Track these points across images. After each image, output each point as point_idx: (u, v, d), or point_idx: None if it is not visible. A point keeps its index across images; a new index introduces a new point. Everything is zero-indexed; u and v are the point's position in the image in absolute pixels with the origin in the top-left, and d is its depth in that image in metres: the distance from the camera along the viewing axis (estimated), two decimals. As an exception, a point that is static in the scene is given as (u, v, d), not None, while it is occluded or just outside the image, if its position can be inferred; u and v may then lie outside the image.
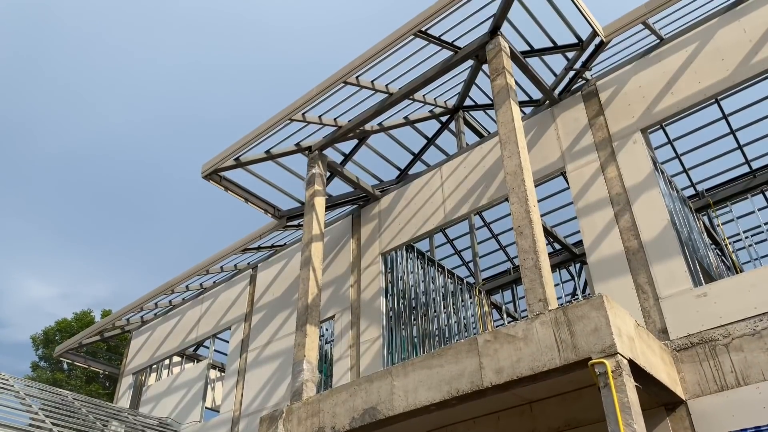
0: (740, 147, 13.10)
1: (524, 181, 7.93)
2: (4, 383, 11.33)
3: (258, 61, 77.61)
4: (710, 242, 12.94)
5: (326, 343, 13.64)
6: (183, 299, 15.94)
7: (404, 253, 12.70)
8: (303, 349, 9.31)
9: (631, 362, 6.22)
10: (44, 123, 76.50)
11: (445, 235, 17.04)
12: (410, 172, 12.74)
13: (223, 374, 16.15)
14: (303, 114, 10.55)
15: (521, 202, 7.82)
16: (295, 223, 12.88)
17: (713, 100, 9.18)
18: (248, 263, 14.68)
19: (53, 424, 9.88)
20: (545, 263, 7.32)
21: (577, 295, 15.82)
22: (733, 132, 12.78)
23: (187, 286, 15.19)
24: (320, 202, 10.86)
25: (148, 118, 78.99)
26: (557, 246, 16.48)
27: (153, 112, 79.11)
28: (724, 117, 12.49)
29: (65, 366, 30.93)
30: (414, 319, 12.47)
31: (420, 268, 13.17)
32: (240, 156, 11.13)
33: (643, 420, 5.79)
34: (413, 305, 12.55)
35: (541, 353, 6.51)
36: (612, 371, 5.93)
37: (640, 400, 7.38)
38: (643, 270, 8.26)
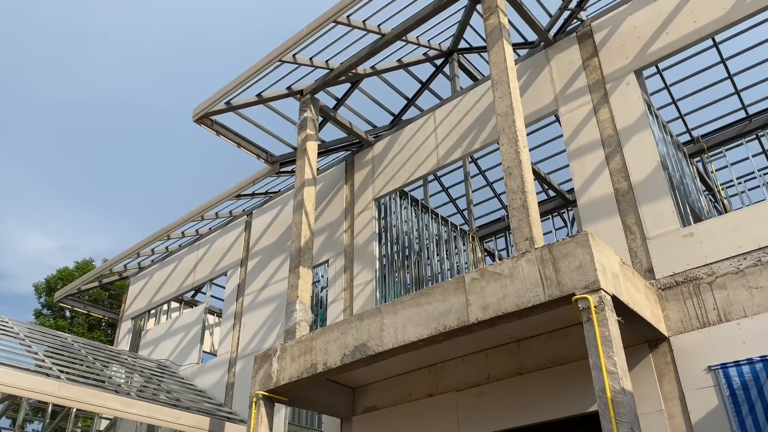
0: (737, 92, 13.00)
1: (515, 122, 7.90)
2: (6, 327, 11.54)
3: (252, 2, 75.98)
4: (703, 188, 12.98)
5: (321, 290, 13.84)
6: (179, 246, 16.07)
7: (398, 199, 12.75)
8: (296, 290, 9.46)
9: (615, 298, 6.33)
10: (38, 73, 75.47)
11: (440, 183, 17.08)
12: (404, 118, 12.67)
13: (220, 319, 16.44)
14: (293, 55, 10.41)
15: (511, 143, 7.81)
16: (289, 169, 12.88)
17: (709, 39, 9.04)
18: (243, 210, 14.74)
19: (55, 365, 10.11)
20: (533, 203, 7.37)
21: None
22: (730, 76, 12.65)
23: (183, 233, 15.30)
24: (312, 147, 10.83)
25: (140, 63, 77.83)
26: (552, 193, 16.55)
27: (145, 59, 77.90)
28: (722, 61, 12.35)
29: (67, 314, 31.40)
30: (407, 266, 12.61)
31: (413, 215, 13.24)
32: (231, 99, 11.04)
33: (623, 353, 5.94)
34: (407, 251, 12.68)
35: (526, 290, 6.62)
36: (595, 306, 6.04)
37: (624, 337, 7.56)
38: (631, 211, 8.32)
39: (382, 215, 12.19)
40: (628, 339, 7.55)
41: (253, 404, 8.75)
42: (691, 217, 8.83)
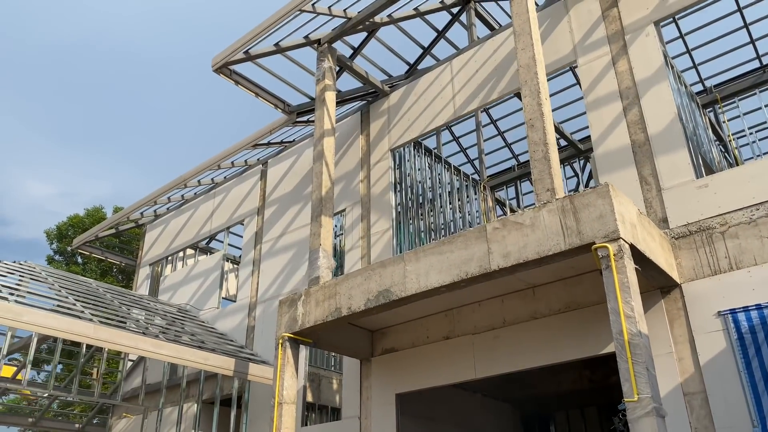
0: (753, 41, 12.97)
1: (537, 74, 8.02)
2: (35, 273, 11.92)
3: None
4: (714, 138, 13.11)
5: (335, 237, 14.16)
6: (195, 194, 16.33)
7: (412, 149, 12.93)
8: (318, 238, 9.76)
9: (632, 247, 6.62)
10: (36, 14, 74.01)
11: (451, 133, 17.19)
12: (420, 67, 12.70)
13: (236, 267, 16.85)
14: (313, 5, 10.40)
15: (533, 95, 7.94)
16: (304, 119, 13.00)
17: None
18: (258, 159, 14.93)
19: (86, 308, 10.51)
20: (554, 155, 7.57)
21: (580, 190, 16.18)
22: (746, 25, 12.61)
23: (198, 181, 15.53)
24: (331, 97, 10.95)
25: (148, 9, 76.26)
26: (563, 142, 16.69)
27: (154, 4, 76.27)
28: (739, 9, 12.29)
29: (79, 260, 31.97)
30: (421, 214, 12.90)
31: (427, 164, 13.44)
32: (249, 49, 11.09)
33: (640, 299, 6.26)
34: (420, 200, 12.94)
35: (547, 239, 6.90)
36: (614, 254, 6.33)
37: (638, 283, 7.89)
38: (647, 162, 8.52)
39: (398, 165, 12.39)
40: (642, 285, 7.86)
41: (279, 345, 9.17)
42: (703, 168, 9.04)
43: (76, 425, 15.64)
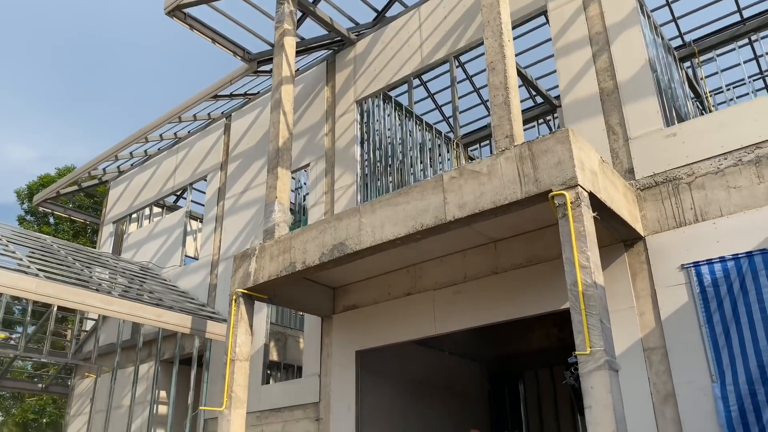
0: (734, -8, 12.52)
1: (500, 14, 7.55)
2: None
3: None
4: (692, 95, 12.75)
5: (304, 198, 13.73)
6: (159, 150, 15.77)
7: (381, 103, 12.43)
8: (275, 190, 9.34)
9: (592, 195, 6.28)
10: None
11: (426, 89, 16.67)
12: (388, 15, 12.12)
13: (201, 224, 16.41)
14: (270, -57, 9.77)
15: (495, 36, 7.49)
16: (267, 68, 12.42)
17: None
18: (222, 113, 14.37)
19: (34, 264, 10.07)
20: (515, 100, 7.16)
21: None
22: (727, -25, 12.13)
23: (161, 136, 14.96)
24: (290, 42, 10.39)
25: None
26: (540, 100, 16.27)
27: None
28: (720, -42, 11.79)
29: (51, 220, 31.31)
30: (390, 172, 12.48)
31: (397, 120, 12.96)
32: (205, -9, 10.45)
33: (597, 249, 5.95)
34: (389, 157, 12.50)
35: (504, 187, 6.54)
36: (571, 202, 5.99)
37: (601, 236, 7.57)
38: (615, 111, 8.15)
39: (365, 119, 11.92)
40: (605, 239, 7.58)
41: (233, 302, 8.83)
42: (676, 121, 8.68)
43: (39, 385, 15.34)
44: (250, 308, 8.91)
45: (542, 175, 6.30)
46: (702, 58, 13.44)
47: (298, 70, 12.82)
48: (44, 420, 27.74)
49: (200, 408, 10.23)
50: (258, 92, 13.64)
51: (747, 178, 6.86)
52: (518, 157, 6.54)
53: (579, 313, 5.61)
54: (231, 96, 13.42)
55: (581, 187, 6.06)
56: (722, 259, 6.72)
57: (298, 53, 11.76)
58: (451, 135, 15.91)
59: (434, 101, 17.06)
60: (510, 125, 6.91)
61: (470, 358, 13.21)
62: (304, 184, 13.68)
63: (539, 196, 6.32)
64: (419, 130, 13.67)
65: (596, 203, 6.42)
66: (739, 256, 6.62)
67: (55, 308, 14.27)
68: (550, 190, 6.18)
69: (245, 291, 8.83)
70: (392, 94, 13.23)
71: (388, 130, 12.56)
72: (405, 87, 13.88)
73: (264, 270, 8.69)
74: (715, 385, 6.42)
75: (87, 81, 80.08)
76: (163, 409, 12.24)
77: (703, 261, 6.85)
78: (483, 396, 13.61)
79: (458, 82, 16.23)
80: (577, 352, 5.46)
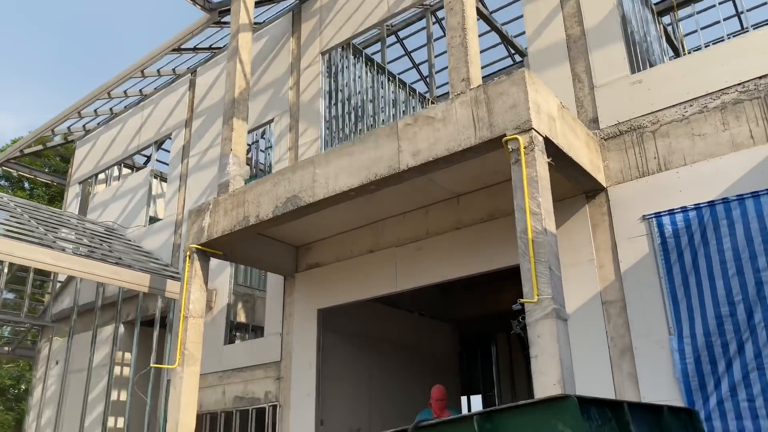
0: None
1: (459, -48, 7.12)
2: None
3: None
4: (672, 54, 12.41)
5: (266, 154, 13.36)
6: (125, 108, 15.28)
7: (350, 57, 11.99)
8: (230, 143, 8.98)
9: (549, 141, 5.99)
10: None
11: (403, 47, 16.22)
12: (355, -37, 11.60)
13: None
14: None
15: (454, -25, 7.08)
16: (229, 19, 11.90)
17: None
18: (188, 68, 13.87)
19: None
20: (473, 41, 6.80)
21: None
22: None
23: (125, 92, 14.46)
24: (250, -11, 9.90)
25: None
26: (518, 58, 15.93)
27: None
28: None
29: (27, 185, 30.70)
30: (360, 129, 12.11)
31: (368, 75, 12.54)
32: (159, -66, 9.90)
33: (550, 196, 5.68)
34: (359, 113, 12.11)
35: (459, 133, 6.24)
36: (525, 147, 5.70)
37: (563, 189, 7.33)
38: (582, 58, 7.81)
39: (332, 72, 11.50)
40: (567, 191, 7.33)
41: (187, 257, 8.54)
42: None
43: (6, 348, 15.09)
44: (204, 264, 8.63)
45: (497, 120, 6.00)
46: (681, 13, 13.06)
47: (263, 22, 12.34)
48: (22, 386, 27.58)
49: (151, 366, 9.99)
50: (223, 46, 13.14)
51: (712, 125, 6.59)
52: (473, 101, 6.22)
53: (528, 261, 5.37)
54: (195, 50, 12.93)
55: (536, 131, 5.77)
56: (684, 210, 6.49)
57: (261, 3, 11.29)
58: (428, 95, 15.52)
59: (411, 59, 16.63)
60: (466, 68, 6.57)
61: (441, 320, 13.06)
62: (268, 141, 13.34)
63: (494, 142, 6.02)
64: (392, 86, 13.27)
65: (554, 150, 6.14)
66: (701, 205, 6.39)
67: (32, 272, 13.99)
68: (504, 135, 5.89)
69: (199, 246, 8.53)
70: (368, 52, 12.82)
71: (359, 86, 12.16)
72: (380, 45, 13.46)
73: (218, 225, 8.39)
74: (672, 338, 6.24)
75: (73, 49, 78.29)
76: (127, 371, 12.02)
77: (665, 212, 6.61)
78: (454, 358, 13.50)
79: (435, 40, 15.78)
80: (523, 300, 5.23)
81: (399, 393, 11.17)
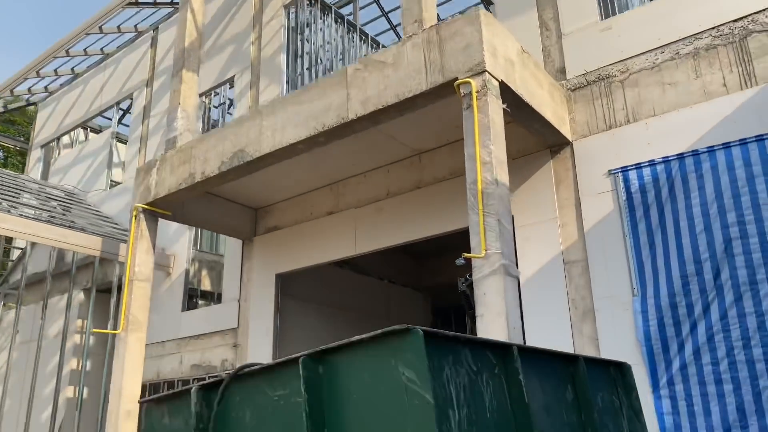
0: None
1: None
2: None
3: None
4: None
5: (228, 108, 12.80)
6: (88, 68, 14.61)
7: (318, 12, 11.38)
8: (179, 96, 8.43)
9: (506, 87, 5.52)
10: None
11: (380, 7, 15.58)
12: None
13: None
14: None
15: None
16: (191, -30, 11.23)
17: None
18: (150, 25, 13.20)
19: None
20: (428, -20, 6.27)
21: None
22: None
23: (85, 50, 13.79)
24: (203, -66, 9.26)
25: None
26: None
27: None
28: None
29: (1, 154, 29.93)
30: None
31: (338, 33, 11.94)
32: None
33: (504, 144, 5.24)
34: (327, 71, 11.54)
35: (409, 78, 5.75)
36: (477, 91, 5.23)
37: (526, 143, 6.89)
38: (550, 4, 7.30)
39: (299, 28, 10.91)
40: (530, 145, 6.89)
41: (134, 218, 8.07)
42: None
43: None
44: (152, 225, 8.17)
45: (449, 62, 5.51)
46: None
47: (225, -26, 11.67)
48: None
49: (92, 330, 9.57)
50: (186, 1, 12.46)
51: (683, 72, 6.13)
52: (426, 42, 5.72)
53: (477, 213, 4.93)
54: (155, 4, 12.27)
55: (490, 73, 5.29)
56: (652, 163, 6.06)
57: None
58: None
59: (389, 21, 16.00)
60: (419, 7, 6.05)
61: (413, 287, 12.68)
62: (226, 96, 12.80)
63: (446, 87, 5.55)
64: (364, 45, 12.68)
65: (512, 98, 5.68)
66: (670, 158, 5.96)
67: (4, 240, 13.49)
68: (457, 79, 5.41)
69: (146, 206, 8.06)
70: (343, 12, 12.21)
71: (328, 43, 11.58)
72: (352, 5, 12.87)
73: (164, 183, 7.90)
74: (635, 299, 5.86)
75: (36, 12, 76.43)
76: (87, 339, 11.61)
77: (632, 166, 6.18)
78: (427, 327, 13.14)
79: None
80: (466, 255, 4.80)
81: (366, 362, 10.83)
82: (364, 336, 1.72)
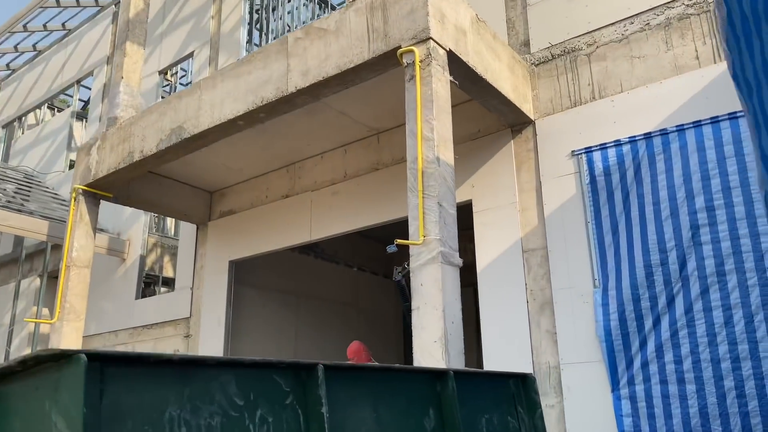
0: None
1: None
2: None
3: None
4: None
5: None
6: (50, 45, 13.97)
7: (286, -14, 10.80)
8: (121, 70, 7.87)
9: (456, 58, 5.01)
10: None
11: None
12: None
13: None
14: None
15: None
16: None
17: None
18: (112, -1, 12.59)
19: None
20: (376, -59, 5.72)
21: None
22: None
23: (44, 26, 13.17)
24: None
25: None
26: None
27: None
28: None
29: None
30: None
31: (305, 6, 11.37)
32: None
33: (449, 120, 4.74)
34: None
35: (351, 47, 5.24)
36: (420, 61, 4.72)
37: (486, 123, 6.39)
38: (515, -28, 6.76)
39: (263, 2, 10.35)
40: (491, 125, 6.39)
41: (72, 200, 7.54)
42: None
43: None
44: (93, 208, 7.64)
45: (392, 29, 4.99)
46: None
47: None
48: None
49: (24, 320, 9.07)
50: (147, -27, 11.84)
51: (654, 45, 5.62)
52: (369, 8, 5.20)
53: (416, 195, 4.44)
54: (114, -24, 11.66)
55: (435, 41, 4.78)
56: (618, 143, 5.57)
57: None
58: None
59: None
60: (365, -29, 5.50)
61: (383, 276, 12.20)
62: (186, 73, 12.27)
63: (389, 56, 5.04)
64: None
65: (464, 71, 5.18)
66: (637, 138, 5.47)
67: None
68: (400, 47, 4.89)
69: (85, 187, 7.53)
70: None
71: (295, 18, 11.02)
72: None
73: (104, 162, 7.38)
74: (596, 291, 5.40)
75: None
76: (43, 327, 11.11)
77: (596, 146, 5.69)
78: (398, 316, 12.70)
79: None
80: (400, 241, 4.31)
81: (333, 352, 10.37)
82: (12, 362, 1.12)
